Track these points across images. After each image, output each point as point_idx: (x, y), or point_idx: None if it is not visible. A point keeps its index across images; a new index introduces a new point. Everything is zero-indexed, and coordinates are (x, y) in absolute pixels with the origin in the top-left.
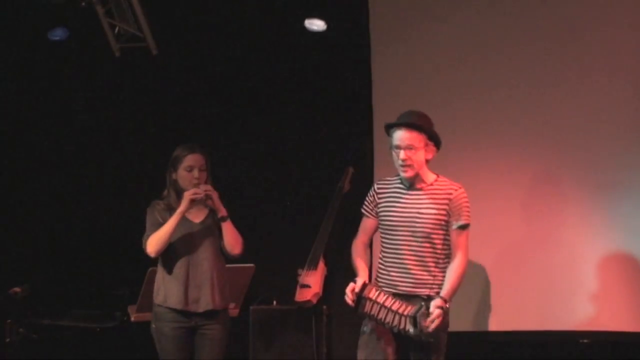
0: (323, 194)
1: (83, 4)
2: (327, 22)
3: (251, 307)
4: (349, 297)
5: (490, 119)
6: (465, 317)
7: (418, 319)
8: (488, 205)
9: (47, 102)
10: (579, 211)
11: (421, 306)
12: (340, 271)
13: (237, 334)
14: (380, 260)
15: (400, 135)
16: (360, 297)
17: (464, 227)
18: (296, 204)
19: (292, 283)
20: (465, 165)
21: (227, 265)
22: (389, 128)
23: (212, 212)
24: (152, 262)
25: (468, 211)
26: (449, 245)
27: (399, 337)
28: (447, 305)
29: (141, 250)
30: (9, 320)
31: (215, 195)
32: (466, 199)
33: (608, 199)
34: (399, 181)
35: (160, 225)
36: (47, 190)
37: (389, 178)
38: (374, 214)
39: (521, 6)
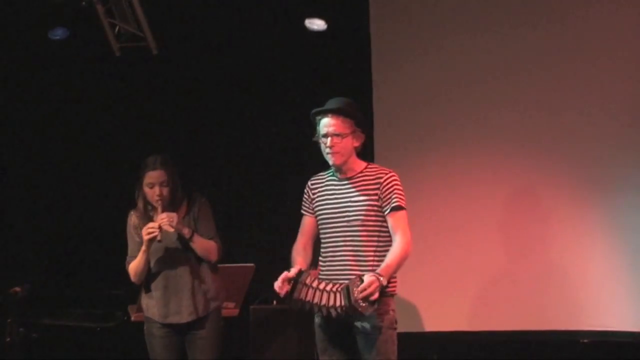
0: None
1: (83, 3)
2: (327, 22)
3: (251, 307)
4: (280, 285)
5: (490, 115)
6: (464, 317)
7: (350, 289)
8: (487, 204)
9: (47, 102)
10: (578, 210)
11: (354, 278)
12: None
13: (237, 334)
14: (321, 257)
15: (327, 122)
16: (296, 282)
17: (397, 209)
18: (296, 203)
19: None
20: (464, 162)
21: (227, 265)
22: (315, 116)
23: (189, 213)
24: None
25: (400, 194)
26: (388, 232)
27: (350, 337)
28: (382, 280)
29: None
30: (9, 320)
31: (174, 219)
32: (397, 182)
33: (607, 197)
34: (330, 174)
35: (137, 244)
36: (47, 190)
37: (321, 173)
38: (311, 211)
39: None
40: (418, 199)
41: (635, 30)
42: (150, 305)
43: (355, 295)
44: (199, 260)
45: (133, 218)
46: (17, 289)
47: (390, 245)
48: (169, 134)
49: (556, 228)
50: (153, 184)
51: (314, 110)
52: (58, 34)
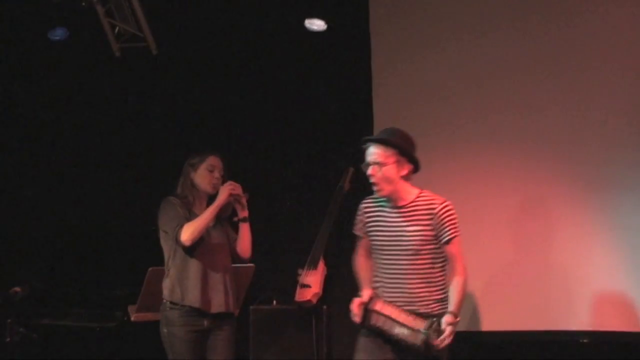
0: (323, 194)
1: (83, 3)
2: (327, 22)
3: (251, 307)
4: (354, 311)
5: (489, 117)
6: (465, 317)
7: (430, 336)
8: (487, 205)
9: (47, 102)
10: (579, 210)
11: (432, 322)
12: (340, 271)
13: (237, 334)
14: (375, 278)
15: (370, 151)
16: (367, 310)
17: (451, 240)
18: (296, 203)
19: (292, 283)
20: (464, 166)
21: None
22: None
23: (220, 219)
24: (152, 262)
25: (452, 224)
26: (443, 257)
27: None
28: (458, 319)
29: (141, 250)
30: (9, 320)
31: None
32: (449, 212)
33: (608, 198)
34: (383, 199)
35: (186, 219)
36: (47, 190)
37: (373, 197)
38: (364, 234)
39: (520, 7)
40: None
41: (637, 32)
42: (191, 290)
43: (435, 342)
44: (230, 259)
45: (177, 201)
46: (17, 289)
47: (443, 269)
48: (168, 134)
49: (557, 228)
50: (214, 167)
51: (362, 139)
52: (58, 34)
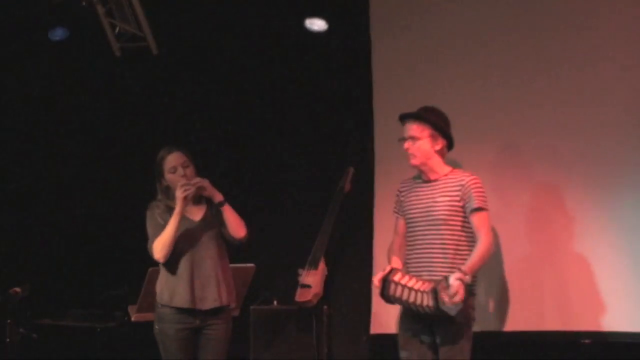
0: (323, 194)
1: (83, 3)
2: (327, 22)
3: (251, 307)
4: (375, 284)
5: (491, 117)
6: None
7: (438, 292)
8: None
9: (47, 102)
10: (580, 210)
11: (440, 281)
12: (341, 271)
13: (237, 334)
14: (407, 255)
15: (405, 127)
16: (385, 281)
17: (477, 210)
18: (296, 204)
19: (293, 283)
20: (465, 163)
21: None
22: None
23: (210, 208)
24: (152, 262)
25: (480, 195)
26: (470, 230)
27: (435, 336)
28: (467, 278)
29: (141, 250)
30: (9, 320)
31: (206, 183)
32: (478, 185)
33: (611, 197)
34: (418, 178)
35: (162, 227)
36: (47, 190)
37: (411, 177)
38: (401, 213)
39: (520, 2)
40: None
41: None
42: (178, 291)
43: (443, 298)
44: (223, 251)
45: (160, 205)
46: (17, 289)
47: (471, 243)
48: (168, 134)
49: (557, 229)
50: (175, 167)
51: (399, 115)
52: (58, 34)
